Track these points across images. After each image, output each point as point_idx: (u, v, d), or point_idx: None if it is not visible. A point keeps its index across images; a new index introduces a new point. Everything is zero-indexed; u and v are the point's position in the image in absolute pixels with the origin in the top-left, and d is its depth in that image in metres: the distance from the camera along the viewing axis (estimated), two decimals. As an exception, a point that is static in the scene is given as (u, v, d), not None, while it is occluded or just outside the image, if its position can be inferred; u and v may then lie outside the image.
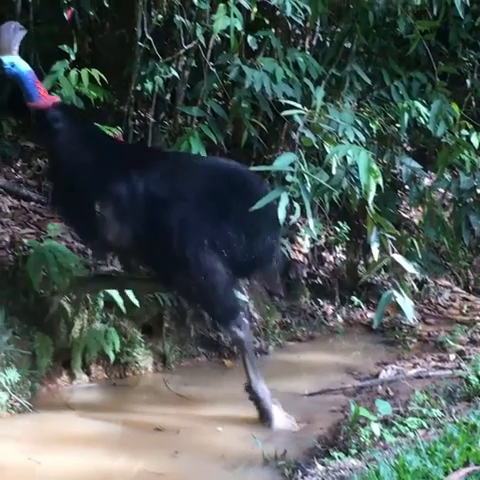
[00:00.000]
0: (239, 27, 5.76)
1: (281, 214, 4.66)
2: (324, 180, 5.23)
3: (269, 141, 6.98)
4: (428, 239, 7.11)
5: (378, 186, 5.04)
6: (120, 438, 4.81)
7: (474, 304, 8.41)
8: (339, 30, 6.94)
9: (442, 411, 4.47)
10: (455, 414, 4.37)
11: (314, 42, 7.14)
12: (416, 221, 8.42)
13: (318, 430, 4.88)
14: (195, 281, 4.87)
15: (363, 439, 4.24)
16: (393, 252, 5.00)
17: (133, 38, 6.11)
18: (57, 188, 5.16)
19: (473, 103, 7.79)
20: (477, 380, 4.84)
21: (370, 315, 7.61)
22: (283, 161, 4.89)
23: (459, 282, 8.74)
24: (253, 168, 5.40)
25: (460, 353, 6.30)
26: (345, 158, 5.21)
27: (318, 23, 6.94)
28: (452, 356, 6.23)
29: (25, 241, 5.77)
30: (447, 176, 7.12)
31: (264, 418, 4.94)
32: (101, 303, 5.54)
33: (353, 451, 4.15)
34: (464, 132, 6.57)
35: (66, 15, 6.05)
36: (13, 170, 6.55)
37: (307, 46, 7.10)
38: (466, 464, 3.55)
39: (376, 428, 4.27)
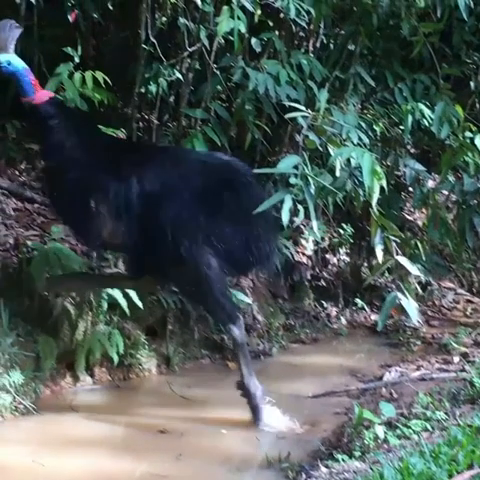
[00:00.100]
0: (243, 29, 5.77)
1: (285, 216, 4.67)
2: (328, 182, 5.23)
3: (273, 143, 6.98)
4: (432, 241, 7.10)
5: (382, 188, 5.04)
6: (124, 440, 4.81)
7: (478, 306, 8.41)
8: (343, 32, 6.93)
9: (446, 413, 4.47)
10: (459, 416, 4.37)
11: (318, 44, 7.14)
12: (420, 223, 8.41)
13: (322, 432, 4.87)
14: (190, 276, 4.88)
15: (367, 441, 4.24)
16: (397, 254, 5.01)
17: (137, 40, 6.11)
18: (51, 184, 5.18)
19: (477, 105, 7.78)
20: (481, 382, 4.84)
21: (374, 317, 7.61)
22: (287, 163, 4.89)
23: (463, 284, 8.73)
24: (257, 170, 5.40)
25: (464, 355, 6.30)
26: (349, 160, 5.21)
27: (322, 25, 6.94)
28: (456, 358, 6.22)
29: (29, 243, 5.77)
30: (451, 178, 7.11)
31: (254, 415, 4.94)
32: (105, 305, 5.54)
33: (357, 453, 4.14)
34: (468, 134, 6.56)
35: (70, 18, 6.06)
36: (17, 172, 6.56)
37: (311, 48, 7.10)
38: (470, 467, 3.54)
39: (380, 430, 4.27)
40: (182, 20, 6.06)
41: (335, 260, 7.91)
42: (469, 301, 8.51)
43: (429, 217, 6.95)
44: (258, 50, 6.29)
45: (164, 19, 6.16)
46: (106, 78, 5.56)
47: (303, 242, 7.53)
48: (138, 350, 5.77)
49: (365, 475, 3.63)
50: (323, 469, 3.97)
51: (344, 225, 7.66)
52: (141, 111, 6.82)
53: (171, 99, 6.54)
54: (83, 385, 5.50)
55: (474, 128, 6.60)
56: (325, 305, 7.58)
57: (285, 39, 6.62)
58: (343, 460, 4.05)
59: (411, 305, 4.91)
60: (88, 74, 5.53)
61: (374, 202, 4.98)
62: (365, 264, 7.97)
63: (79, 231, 5.14)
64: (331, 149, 5.37)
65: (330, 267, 7.87)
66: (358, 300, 7.65)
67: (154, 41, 6.03)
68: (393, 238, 5.00)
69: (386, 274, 7.33)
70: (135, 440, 4.76)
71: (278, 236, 5.52)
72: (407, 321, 7.08)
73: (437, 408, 4.56)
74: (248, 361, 5.02)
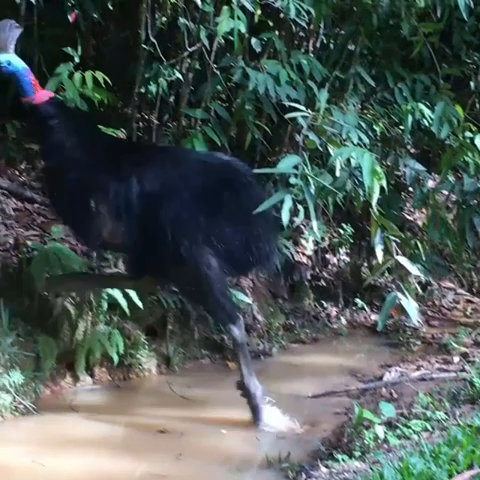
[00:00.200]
0: (243, 29, 5.77)
1: (285, 216, 4.67)
2: (328, 182, 5.23)
3: (273, 143, 6.98)
4: (432, 241, 7.10)
5: (382, 188, 5.04)
6: (124, 440, 4.81)
7: (478, 306, 8.41)
8: (343, 32, 6.93)
9: (446, 413, 4.47)
10: (459, 416, 4.37)
11: (318, 44, 7.14)
12: (420, 223, 8.41)
13: (322, 432, 4.87)
14: (190, 276, 4.88)
15: (367, 441, 4.24)
16: (397, 254, 5.01)
17: (137, 40, 6.11)
18: (51, 184, 5.18)
19: (477, 105, 7.78)
20: (481, 382, 4.84)
21: (374, 317, 7.61)
22: (287, 163, 4.90)
23: (463, 284, 8.73)
24: (257, 170, 5.40)
25: (464, 355, 6.30)
26: (349, 160, 5.21)
27: (322, 25, 6.94)
28: (456, 358, 6.22)
29: (29, 243, 5.77)
30: (451, 178, 7.11)
31: (254, 415, 4.94)
32: (105, 305, 5.54)
33: (357, 453, 4.14)
34: (468, 134, 6.56)
35: (70, 18, 6.06)
36: (17, 172, 6.56)
37: (311, 48, 7.09)
38: (470, 467, 3.54)
39: (380, 430, 4.27)
40: (182, 20, 6.06)
41: (335, 260, 7.91)
42: (469, 301, 8.51)
43: (429, 217, 6.95)
44: (258, 50, 6.29)
45: (164, 19, 6.16)
46: (106, 78, 5.56)
47: (303, 242, 7.53)
48: (138, 350, 5.77)
49: (365, 475, 3.63)
50: (323, 469, 3.97)
51: (344, 225, 7.66)
52: (141, 111, 6.82)
53: (171, 99, 6.54)
54: (83, 385, 5.50)
55: (474, 128, 6.60)
56: (325, 305, 7.58)
57: (285, 39, 6.62)
58: (343, 460, 4.05)
59: (411, 305, 4.91)
60: (88, 74, 5.53)
61: (374, 202, 4.98)
62: (365, 264, 7.97)
63: (79, 231, 5.14)
64: (331, 149, 5.37)
65: (330, 267, 7.87)
66: (358, 300, 7.65)
67: (154, 41, 6.03)
68: (393, 238, 5.00)
69: (386, 274, 7.33)
70: (135, 440, 4.76)
71: (278, 236, 5.52)
72: (407, 321, 7.08)
73: (437, 408, 4.56)
74: (248, 361, 5.02)
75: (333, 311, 7.58)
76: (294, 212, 5.01)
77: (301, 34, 7.11)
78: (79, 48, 6.03)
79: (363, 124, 6.24)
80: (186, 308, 6.13)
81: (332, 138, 5.33)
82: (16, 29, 4.88)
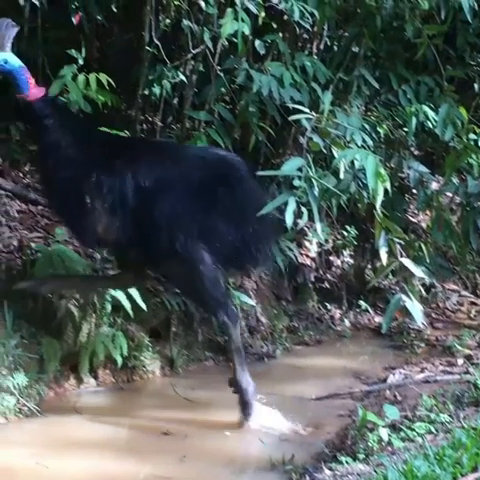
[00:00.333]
0: (247, 31, 5.77)
1: (289, 219, 4.67)
2: (332, 184, 5.24)
3: (277, 145, 6.98)
4: (436, 243, 7.10)
5: (386, 190, 5.04)
6: (128, 442, 4.81)
7: (482, 308, 8.40)
8: (347, 34, 6.93)
9: (450, 416, 4.47)
10: (463, 419, 4.37)
11: (322, 46, 7.14)
12: (424, 225, 8.40)
13: (326, 435, 4.87)
14: (183, 270, 4.89)
15: (371, 444, 4.24)
16: (401, 256, 5.00)
17: (141, 42, 6.12)
18: (46, 180, 5.20)
19: (481, 107, 7.78)
20: (485, 385, 4.84)
21: (378, 319, 7.60)
22: (291, 166, 4.90)
23: (467, 286, 8.72)
24: (261, 173, 5.40)
25: (468, 358, 6.30)
26: (353, 162, 5.21)
27: (326, 27, 6.93)
28: (460, 361, 6.22)
29: (33, 245, 5.78)
30: (455, 180, 7.11)
31: (244, 410, 4.93)
32: (109, 307, 5.54)
33: (361, 456, 4.14)
34: (472, 136, 6.56)
35: (74, 20, 6.06)
36: (21, 174, 6.56)
37: (315, 50, 7.09)
38: (474, 469, 3.54)
39: (384, 433, 4.26)
40: (186, 22, 6.07)
41: (339, 262, 7.91)
42: (473, 303, 8.50)
43: (433, 219, 6.95)
44: (262, 52, 6.29)
45: (168, 21, 6.16)
46: (110, 80, 5.56)
47: (307, 244, 7.53)
48: (142, 352, 5.77)
49: (369, 478, 3.63)
50: (327, 471, 3.97)
51: (348, 227, 7.65)
52: (145, 113, 6.83)
53: (175, 101, 6.55)
54: (87, 387, 5.50)
55: (478, 130, 6.60)
56: (329, 307, 7.58)
57: (289, 41, 6.62)
58: (347, 462, 4.05)
59: (416, 307, 4.91)
60: (92, 76, 5.53)
61: (378, 204, 4.98)
62: (369, 266, 7.96)
63: (75, 227, 5.16)
64: (335, 151, 5.37)
65: (334, 269, 7.86)
66: (362, 302, 7.65)
67: (158, 43, 6.03)
68: (397, 240, 5.00)
69: (390, 276, 7.33)
70: (139, 442, 4.76)
71: (275, 231, 5.50)
72: (411, 323, 7.07)
73: (441, 410, 4.56)
74: (241, 356, 5.02)
75: (337, 313, 7.57)
76: (298, 214, 5.00)
77: (305, 36, 7.11)
78: (83, 50, 6.03)
79: (367, 126, 6.24)
80: (190, 310, 6.13)
81: (336, 140, 5.33)
82: (12, 28, 4.89)
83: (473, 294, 8.66)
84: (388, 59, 7.07)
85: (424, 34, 6.48)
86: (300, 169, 4.85)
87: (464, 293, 8.60)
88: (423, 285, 7.61)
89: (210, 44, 6.04)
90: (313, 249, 7.56)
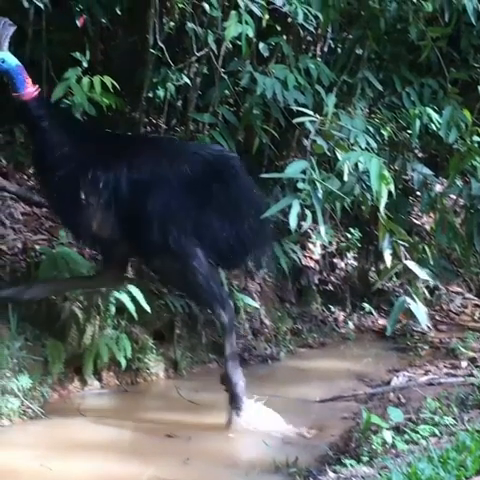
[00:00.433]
0: (251, 34, 5.77)
1: (293, 221, 4.67)
2: (336, 187, 5.24)
3: (281, 148, 6.98)
4: (440, 245, 7.09)
5: (389, 192, 5.04)
6: (131, 444, 4.82)
7: (486, 311, 8.39)
8: (350, 36, 6.94)
9: (454, 419, 4.46)
10: (467, 422, 4.36)
11: (325, 49, 7.14)
12: (428, 227, 8.40)
13: (330, 437, 4.87)
14: (177, 266, 4.90)
15: (375, 446, 4.23)
16: (405, 259, 5.01)
17: (145, 45, 6.12)
18: (42, 178, 5.24)
19: (485, 109, 7.77)
20: (489, 387, 4.83)
21: (381, 321, 7.60)
22: (295, 168, 4.90)
23: (471, 288, 8.71)
24: (265, 175, 5.41)
25: (472, 360, 6.29)
26: (357, 165, 5.21)
27: (329, 30, 6.94)
28: (464, 363, 6.21)
29: (37, 247, 5.79)
30: (459, 182, 7.10)
31: (233, 404, 4.93)
32: (113, 309, 5.54)
33: (365, 459, 4.13)
34: (476, 138, 6.56)
35: (78, 22, 6.07)
36: (25, 176, 6.58)
37: (318, 53, 7.10)
38: (479, 472, 3.53)
39: (388, 435, 4.26)
40: (190, 25, 6.07)
41: (343, 264, 7.90)
42: (477, 305, 8.48)
43: (437, 221, 6.94)
44: (266, 55, 6.30)
45: (172, 24, 6.18)
46: (114, 83, 5.57)
47: (311, 246, 7.52)
48: (146, 354, 5.77)
49: (373, 480, 3.63)
50: (331, 474, 3.96)
51: (352, 229, 7.65)
52: (149, 115, 6.84)
53: (179, 103, 6.56)
54: (91, 389, 5.50)
55: (482, 132, 6.60)
56: (332, 309, 7.57)
57: (293, 44, 6.63)
58: (351, 465, 4.04)
59: (420, 309, 4.91)
60: (96, 79, 5.54)
61: (382, 206, 4.98)
62: (373, 268, 7.96)
63: (71, 225, 5.19)
64: (339, 154, 5.37)
65: (338, 271, 7.86)
66: (366, 304, 7.64)
67: (162, 46, 6.04)
68: (401, 242, 5.01)
69: (394, 278, 7.32)
70: (142, 444, 4.76)
71: (271, 227, 5.50)
72: (415, 325, 7.06)
73: (445, 413, 4.55)
74: (234, 349, 5.04)
75: (341, 315, 7.57)
76: (302, 217, 5.00)
77: (309, 38, 7.11)
78: (87, 53, 6.03)
79: (371, 128, 6.24)
80: (194, 312, 6.13)
81: (340, 142, 5.34)
82: (9, 27, 4.91)
83: (477, 296, 8.64)
84: (392, 61, 7.07)
85: (428, 36, 6.48)
86: (304, 172, 4.86)
87: (468, 295, 8.59)
88: (427, 287, 7.57)
89: (214, 47, 6.04)
90: (317, 251, 7.56)
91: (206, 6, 5.97)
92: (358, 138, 5.58)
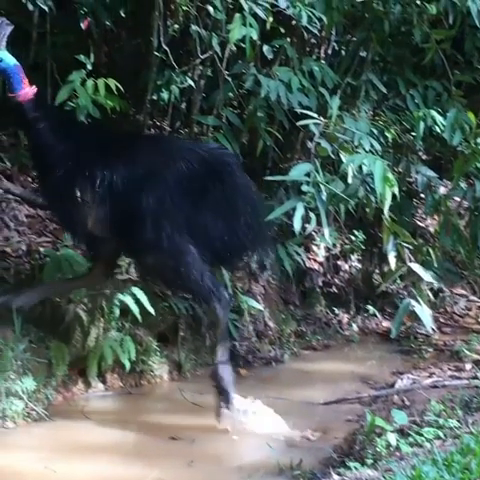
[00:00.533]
0: (255, 36, 5.78)
1: (297, 224, 4.68)
2: (340, 189, 5.25)
3: (285, 150, 6.98)
4: (444, 248, 7.08)
5: (394, 195, 5.05)
6: (135, 447, 4.82)
7: (490, 313, 8.38)
8: (354, 39, 6.94)
9: (458, 421, 4.46)
10: (472, 424, 4.36)
11: (329, 51, 7.14)
12: (432, 230, 8.38)
13: (334, 440, 4.86)
14: (171, 262, 4.91)
15: (379, 449, 4.23)
16: (409, 261, 5.01)
17: (149, 48, 6.13)
18: (38, 177, 5.27)
19: (489, 112, 7.76)
20: (494, 390, 4.83)
21: (385, 324, 7.59)
22: (299, 171, 4.91)
23: (475, 291, 8.69)
24: (269, 178, 5.41)
25: (476, 363, 6.28)
26: (361, 167, 5.22)
27: (333, 32, 6.94)
28: (468, 366, 6.20)
29: (41, 249, 5.80)
30: (463, 185, 7.10)
31: (222, 398, 4.93)
32: (117, 311, 5.54)
33: (369, 461, 4.13)
34: (480, 141, 6.56)
35: (83, 25, 6.08)
36: (30, 179, 6.58)
37: (322, 55, 7.10)
38: (483, 475, 3.53)
39: (392, 438, 4.26)
40: (194, 27, 6.07)
41: (347, 267, 7.90)
42: (481, 308, 8.48)
43: (441, 224, 6.94)
44: (270, 57, 6.30)
45: (176, 26, 6.17)
46: (118, 85, 5.57)
47: (315, 249, 7.52)
48: (150, 356, 5.77)
49: (377, 483, 3.63)
50: (335, 477, 3.96)
51: (356, 232, 7.64)
52: (153, 118, 6.84)
53: (183, 106, 6.56)
54: (95, 391, 5.50)
55: (486, 135, 6.59)
56: (337, 312, 7.57)
57: (297, 46, 6.62)
58: (355, 468, 4.03)
59: (425, 312, 4.92)
60: (100, 81, 5.55)
61: (386, 209, 4.99)
62: (377, 271, 7.95)
63: (67, 223, 5.22)
64: (343, 156, 5.37)
65: (342, 274, 7.85)
66: (370, 307, 7.63)
67: (166, 48, 6.04)
68: (405, 245, 5.01)
69: (398, 281, 7.32)
70: (146, 446, 4.76)
71: (268, 224, 5.49)
72: (419, 328, 7.06)
73: (449, 416, 4.54)
74: (226, 343, 5.04)
75: (345, 318, 7.56)
76: (306, 219, 5.01)
77: (313, 41, 7.12)
78: (92, 55, 6.05)
79: (375, 131, 6.24)
80: (198, 315, 6.13)
81: (344, 145, 5.35)
82: (7, 26, 4.93)
83: (481, 299, 8.64)
84: (396, 64, 7.07)
85: (432, 39, 6.48)
86: (308, 174, 4.86)
87: (472, 298, 8.57)
88: (431, 290, 7.56)
89: (218, 49, 6.05)
90: (321, 254, 7.56)
91: (210, 9, 5.98)
92: (362, 140, 5.59)
